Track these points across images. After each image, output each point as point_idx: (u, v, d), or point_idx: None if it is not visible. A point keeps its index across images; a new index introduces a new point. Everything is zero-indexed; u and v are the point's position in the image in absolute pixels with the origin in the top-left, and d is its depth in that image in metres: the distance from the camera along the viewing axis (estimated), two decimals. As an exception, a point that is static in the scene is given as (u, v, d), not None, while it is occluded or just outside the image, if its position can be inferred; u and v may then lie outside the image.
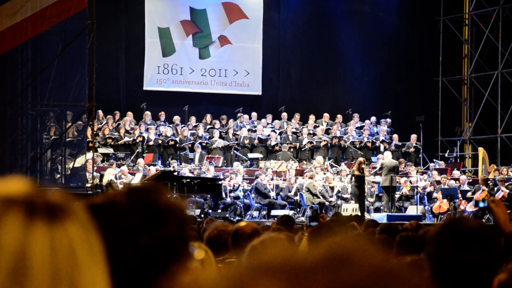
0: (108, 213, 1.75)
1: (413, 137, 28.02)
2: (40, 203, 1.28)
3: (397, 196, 23.94)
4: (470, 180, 25.05)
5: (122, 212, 1.76)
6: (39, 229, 1.25)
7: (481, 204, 21.97)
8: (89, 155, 21.54)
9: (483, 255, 2.62)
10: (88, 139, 21.99)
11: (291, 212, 22.39)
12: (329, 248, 1.02)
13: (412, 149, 27.79)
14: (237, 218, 21.28)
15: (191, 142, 25.92)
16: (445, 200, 23.25)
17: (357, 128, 28.41)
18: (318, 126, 27.89)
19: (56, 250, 1.25)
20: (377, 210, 23.65)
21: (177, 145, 25.82)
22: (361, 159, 22.85)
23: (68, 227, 1.28)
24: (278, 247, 1.04)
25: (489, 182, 23.50)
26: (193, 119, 27.56)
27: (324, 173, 24.51)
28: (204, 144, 25.83)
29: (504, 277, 2.93)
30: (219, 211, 22.50)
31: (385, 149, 26.90)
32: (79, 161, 21.10)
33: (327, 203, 23.23)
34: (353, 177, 22.33)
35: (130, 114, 26.90)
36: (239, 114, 28.21)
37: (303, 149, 26.95)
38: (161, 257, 1.74)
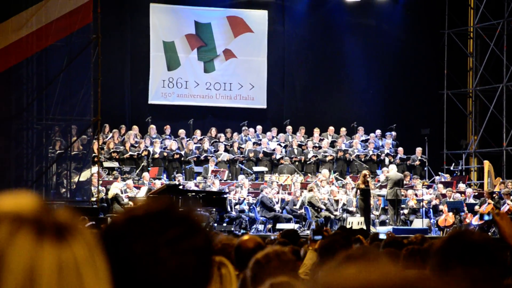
0: (146, 227, 1.75)
1: (418, 150, 27.99)
2: (48, 222, 1.30)
3: (405, 210, 23.90)
4: (476, 193, 25.00)
5: (161, 225, 1.75)
6: (47, 248, 1.27)
7: (486, 217, 21.77)
8: (94, 169, 21.55)
9: (488, 268, 2.61)
10: (93, 153, 22.00)
11: (296, 226, 22.36)
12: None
13: (417, 162, 27.75)
14: (242, 231, 21.25)
15: (196, 155, 25.93)
16: (450, 213, 23.20)
17: (362, 141, 28.38)
18: (323, 139, 27.86)
19: (63, 268, 1.27)
20: (383, 223, 23.59)
21: (182, 158, 25.82)
22: (365, 172, 22.82)
23: (73, 246, 1.30)
24: (283, 263, 1.04)
25: (494, 195, 23.45)
26: (198, 132, 27.57)
27: (330, 186, 24.48)
28: (209, 157, 25.82)
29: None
30: (224, 224, 22.48)
31: (390, 162, 26.86)
32: (84, 175, 21.13)
33: (332, 216, 23.19)
34: (358, 191, 22.30)
35: (135, 128, 26.92)
36: (244, 128, 28.21)
37: (308, 163, 26.93)
38: (196, 269, 1.74)
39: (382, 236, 10.85)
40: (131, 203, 21.65)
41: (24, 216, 1.28)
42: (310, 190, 23.24)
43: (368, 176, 22.44)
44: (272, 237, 8.92)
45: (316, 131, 28.25)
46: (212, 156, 25.84)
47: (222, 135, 27.58)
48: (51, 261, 1.26)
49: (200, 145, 26.66)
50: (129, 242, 1.70)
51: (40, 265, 1.25)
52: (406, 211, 24.00)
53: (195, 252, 1.73)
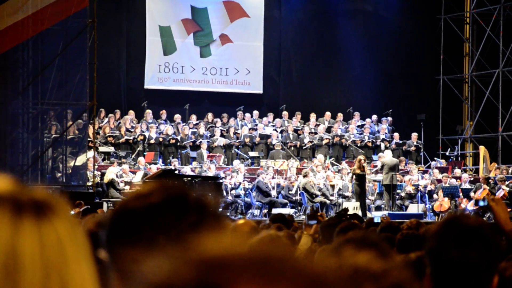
0: (170, 211, 1.73)
1: (414, 135, 28.02)
2: (26, 200, 1.27)
3: (402, 194, 23.99)
4: (472, 179, 25.06)
5: (184, 209, 1.73)
6: (27, 226, 1.25)
7: (481, 203, 21.86)
8: (90, 153, 21.55)
9: (484, 252, 2.62)
10: (89, 138, 21.99)
11: (292, 211, 22.40)
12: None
13: (413, 148, 27.80)
14: (238, 216, 21.28)
15: (192, 140, 25.92)
16: (446, 199, 23.26)
17: (358, 126, 28.40)
18: (319, 125, 27.87)
19: (45, 246, 1.25)
20: (378, 208, 23.65)
21: (178, 143, 25.81)
22: (360, 157, 22.86)
23: (55, 223, 1.28)
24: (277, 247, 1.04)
25: (490, 180, 23.51)
26: (193, 117, 27.55)
27: (325, 172, 24.51)
28: (200, 142, 25.79)
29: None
30: (220, 209, 22.47)
31: (386, 148, 26.91)
32: (80, 160, 21.13)
33: (328, 201, 23.24)
34: (354, 176, 22.34)
35: (131, 113, 26.88)
36: (240, 113, 28.21)
37: (304, 148, 26.95)
38: None
39: (377, 221, 10.88)
40: (127, 188, 21.67)
41: (0, 195, 1.26)
42: (305, 176, 23.27)
43: (363, 161, 22.48)
44: (267, 222, 8.93)
45: (312, 116, 28.25)
46: (204, 141, 25.77)
47: (218, 120, 27.56)
48: (33, 238, 1.24)
49: (196, 130, 26.65)
50: (152, 229, 1.68)
51: (21, 242, 1.23)
52: (403, 195, 24.06)
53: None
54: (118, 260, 1.67)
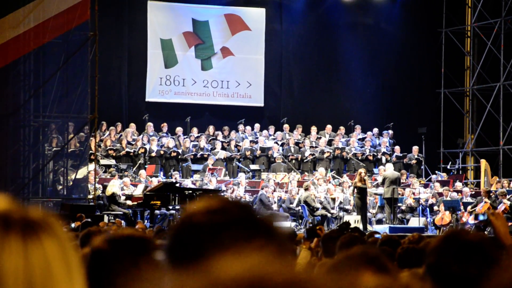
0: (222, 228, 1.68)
1: (415, 148, 28.02)
2: (16, 218, 1.26)
3: (402, 207, 23.96)
4: (473, 192, 25.03)
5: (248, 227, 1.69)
6: (13, 244, 1.24)
7: (481, 217, 21.91)
8: (91, 166, 21.55)
9: (484, 267, 2.61)
10: (90, 151, 22.00)
11: (293, 224, 22.37)
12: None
13: (414, 161, 27.79)
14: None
15: (193, 153, 25.92)
16: (447, 212, 23.22)
17: (359, 139, 28.40)
18: (320, 138, 27.88)
19: (31, 265, 1.24)
20: (379, 222, 23.62)
21: (179, 156, 25.81)
22: (361, 170, 22.86)
23: (45, 242, 1.26)
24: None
25: (491, 194, 23.47)
26: (195, 130, 27.56)
27: (326, 185, 24.49)
28: (205, 155, 25.82)
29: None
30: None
31: (387, 161, 26.90)
32: (81, 173, 21.13)
33: (329, 214, 23.22)
34: (355, 189, 22.33)
35: (132, 126, 26.90)
36: (241, 126, 28.22)
37: (305, 161, 26.94)
38: None
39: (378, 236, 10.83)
40: (128, 202, 21.65)
41: None
42: (306, 189, 23.25)
43: (364, 174, 22.47)
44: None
45: (314, 130, 28.26)
46: (209, 154, 25.84)
47: (220, 133, 27.58)
48: (17, 257, 1.23)
49: (197, 143, 26.66)
50: (217, 247, 1.62)
51: (5, 261, 1.22)
52: (403, 207, 24.04)
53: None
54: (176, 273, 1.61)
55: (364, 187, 22.22)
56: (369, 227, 21.75)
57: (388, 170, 23.83)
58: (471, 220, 22.70)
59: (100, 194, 21.88)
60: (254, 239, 1.64)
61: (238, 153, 26.67)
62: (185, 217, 1.71)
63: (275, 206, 23.36)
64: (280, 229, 1.71)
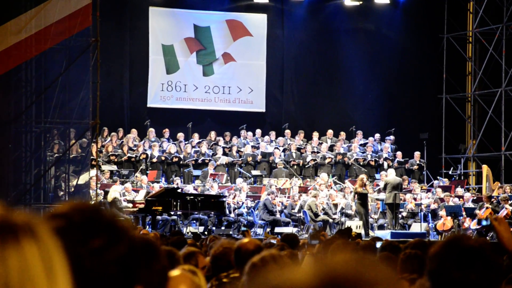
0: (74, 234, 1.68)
1: (417, 154, 28.00)
2: None
3: (404, 213, 23.93)
4: (475, 198, 25.01)
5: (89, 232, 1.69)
6: None
7: (484, 222, 21.89)
8: (93, 172, 21.55)
9: (485, 273, 2.61)
10: (92, 156, 22.00)
11: (294, 229, 22.36)
12: (327, 270, 1.01)
13: (415, 167, 27.77)
14: (243, 228, 21.19)
15: (194, 159, 25.92)
16: (449, 218, 23.20)
17: (360, 145, 28.40)
18: (322, 143, 27.87)
19: (8, 269, 1.22)
20: (381, 227, 23.60)
21: (181, 162, 25.81)
22: (362, 176, 22.85)
23: (25, 246, 1.25)
24: (279, 266, 1.04)
25: (493, 199, 23.46)
26: (196, 136, 27.56)
27: (328, 190, 24.47)
28: (207, 161, 25.82)
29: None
30: (223, 228, 22.47)
31: (389, 166, 26.89)
32: (82, 178, 21.11)
33: (330, 220, 23.19)
34: (356, 195, 22.32)
35: (134, 131, 26.92)
36: (242, 131, 28.23)
37: (306, 166, 26.93)
38: (118, 278, 1.67)
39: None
40: (129, 205, 21.65)
41: None
42: (314, 196, 23.17)
43: (365, 180, 22.47)
44: (272, 241, 8.91)
45: (315, 135, 28.26)
46: (210, 160, 25.84)
47: (221, 138, 27.59)
48: None
49: (198, 148, 26.66)
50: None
51: None
52: (404, 214, 24.02)
53: (119, 262, 1.68)
54: None
55: (365, 192, 22.21)
56: (371, 233, 21.74)
57: (390, 176, 23.82)
58: (473, 225, 22.67)
59: (102, 200, 21.88)
60: (91, 241, 1.66)
61: (240, 159, 26.66)
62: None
63: (277, 213, 23.29)
64: (123, 226, 1.72)
